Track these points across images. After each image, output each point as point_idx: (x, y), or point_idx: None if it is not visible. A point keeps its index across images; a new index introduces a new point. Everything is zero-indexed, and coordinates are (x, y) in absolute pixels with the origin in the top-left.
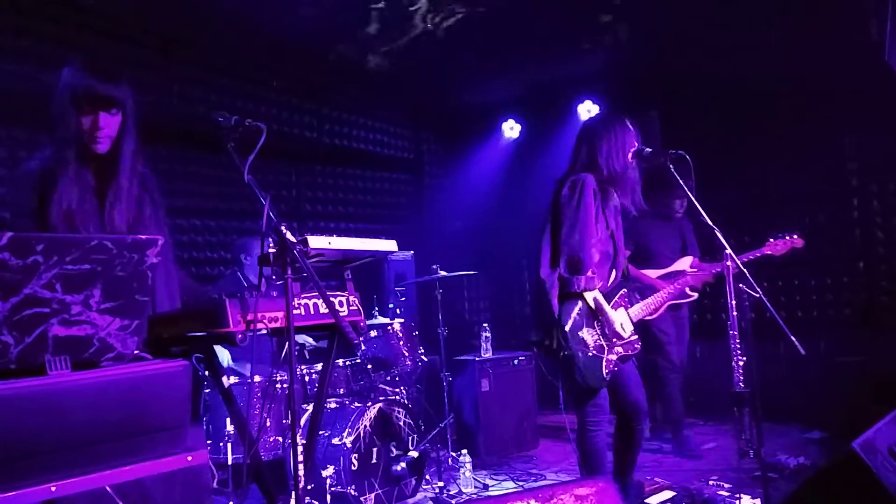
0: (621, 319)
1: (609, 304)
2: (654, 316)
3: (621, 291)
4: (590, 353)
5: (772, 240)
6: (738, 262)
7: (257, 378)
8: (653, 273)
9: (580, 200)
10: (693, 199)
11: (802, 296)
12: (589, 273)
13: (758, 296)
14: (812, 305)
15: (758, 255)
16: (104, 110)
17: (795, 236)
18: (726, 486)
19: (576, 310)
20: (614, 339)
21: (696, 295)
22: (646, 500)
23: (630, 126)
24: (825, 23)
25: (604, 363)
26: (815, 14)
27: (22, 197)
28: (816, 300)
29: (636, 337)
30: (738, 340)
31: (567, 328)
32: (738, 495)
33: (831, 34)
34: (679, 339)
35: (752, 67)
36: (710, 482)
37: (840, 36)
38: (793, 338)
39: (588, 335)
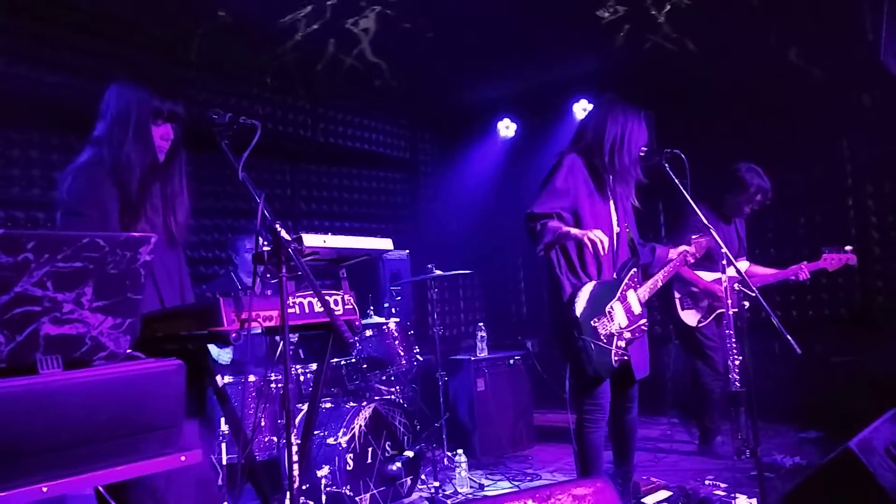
0: (629, 304)
1: (618, 289)
2: (704, 324)
3: (630, 273)
4: (599, 343)
5: (826, 253)
6: (736, 266)
7: (252, 378)
8: (707, 276)
9: (550, 176)
10: (689, 198)
11: (798, 295)
12: (546, 221)
13: (753, 295)
14: (808, 305)
15: (813, 268)
16: (174, 122)
17: (849, 250)
18: (722, 485)
19: (584, 297)
20: (622, 326)
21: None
22: (642, 500)
23: (643, 126)
24: (821, 23)
25: (613, 351)
26: (812, 14)
27: (85, 191)
28: (812, 300)
29: (644, 320)
30: (734, 340)
31: (579, 315)
32: (734, 495)
33: (827, 34)
34: (723, 346)
35: (748, 68)
36: (707, 482)
37: (836, 36)
38: (789, 337)
39: (598, 325)
